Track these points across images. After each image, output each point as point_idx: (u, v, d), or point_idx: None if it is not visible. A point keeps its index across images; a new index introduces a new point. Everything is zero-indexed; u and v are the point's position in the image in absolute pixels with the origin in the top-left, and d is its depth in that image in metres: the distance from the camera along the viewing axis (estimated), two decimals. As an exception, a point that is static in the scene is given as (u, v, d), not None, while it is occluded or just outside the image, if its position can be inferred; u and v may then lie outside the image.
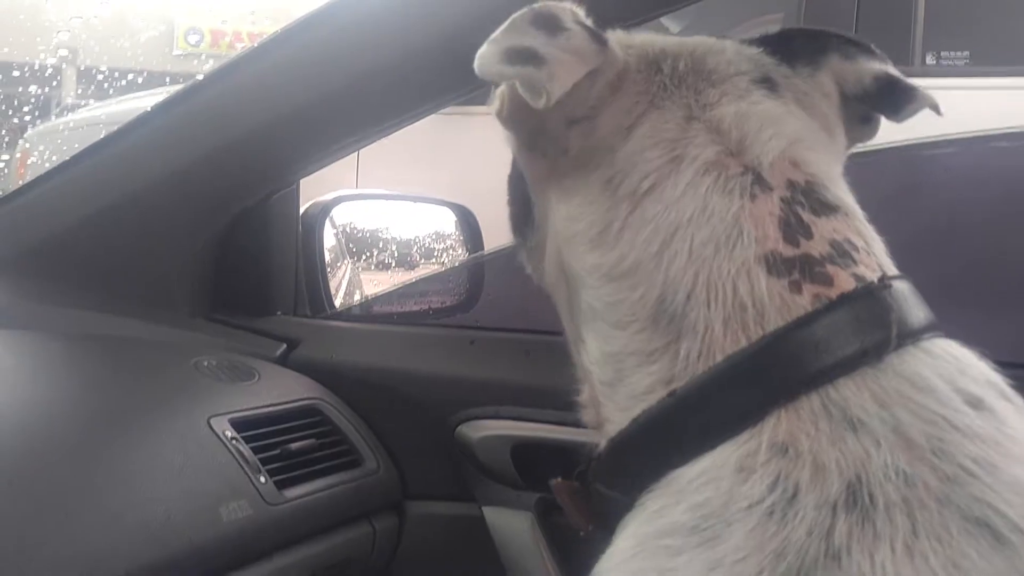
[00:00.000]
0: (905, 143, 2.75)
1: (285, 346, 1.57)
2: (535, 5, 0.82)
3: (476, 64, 0.79)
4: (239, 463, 1.26)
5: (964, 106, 2.83)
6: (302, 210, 1.67)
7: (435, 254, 2.05)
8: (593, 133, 0.83)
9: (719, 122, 0.81)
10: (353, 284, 2.19)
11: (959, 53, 2.95)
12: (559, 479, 0.89)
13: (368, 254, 2.27)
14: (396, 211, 2.21)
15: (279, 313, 1.62)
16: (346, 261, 2.24)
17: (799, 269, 0.74)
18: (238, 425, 1.32)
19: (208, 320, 1.59)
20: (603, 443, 0.82)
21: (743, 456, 0.69)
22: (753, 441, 0.69)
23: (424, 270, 2.07)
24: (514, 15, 0.81)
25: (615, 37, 0.88)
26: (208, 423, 1.28)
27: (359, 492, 1.44)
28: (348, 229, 2.34)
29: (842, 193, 0.82)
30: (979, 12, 3.02)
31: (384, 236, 2.38)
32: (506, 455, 1.41)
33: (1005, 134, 2.62)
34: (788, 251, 0.75)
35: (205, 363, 1.44)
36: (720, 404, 0.72)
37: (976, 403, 0.70)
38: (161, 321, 1.56)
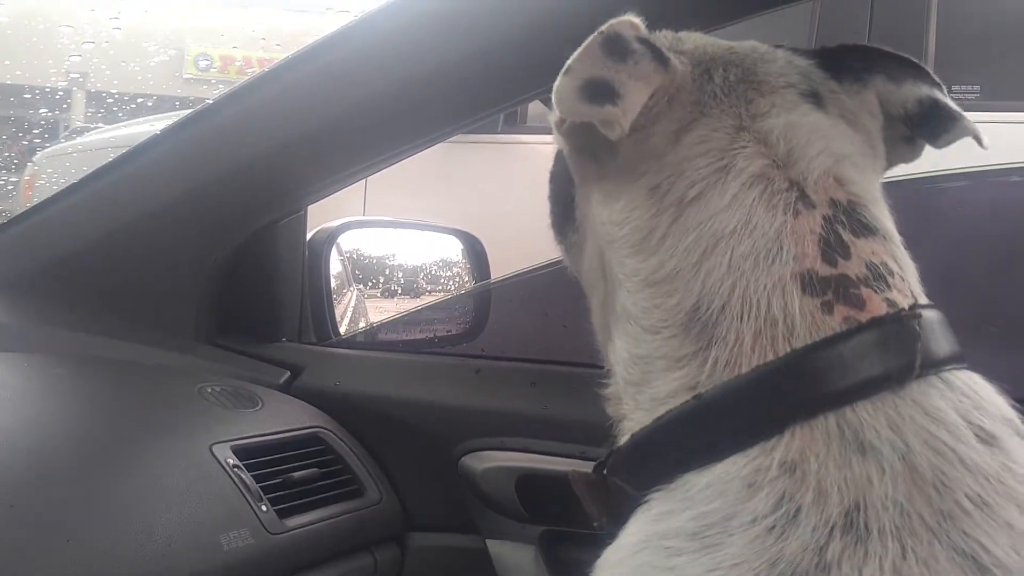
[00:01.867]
0: (914, 176, 2.75)
1: (289, 373, 1.56)
2: (603, 28, 0.82)
3: (555, 99, 0.80)
4: (241, 491, 1.25)
5: (972, 140, 2.84)
6: (309, 236, 1.66)
7: (441, 282, 2.04)
8: (647, 140, 0.84)
9: (768, 133, 0.82)
10: (359, 311, 2.18)
11: (970, 87, 2.94)
12: (576, 470, 0.90)
13: (374, 281, 2.26)
14: (403, 238, 2.20)
15: (284, 340, 1.61)
16: (352, 288, 2.23)
17: (833, 290, 0.75)
18: (240, 453, 1.30)
19: (213, 346, 1.58)
20: (624, 438, 0.83)
21: (754, 471, 0.70)
22: (764, 457, 0.71)
23: (430, 298, 2.06)
24: (587, 41, 0.81)
25: (668, 42, 0.89)
26: (210, 450, 1.27)
27: (361, 523, 1.42)
28: (355, 256, 2.34)
29: (882, 215, 0.82)
30: (990, 46, 3.02)
31: (391, 263, 2.37)
32: (511, 487, 1.40)
33: (1018, 168, 2.63)
34: (825, 270, 0.76)
35: (209, 389, 1.43)
36: (740, 414, 0.74)
37: (987, 439, 0.71)
38: (167, 346, 1.55)
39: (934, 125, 0.89)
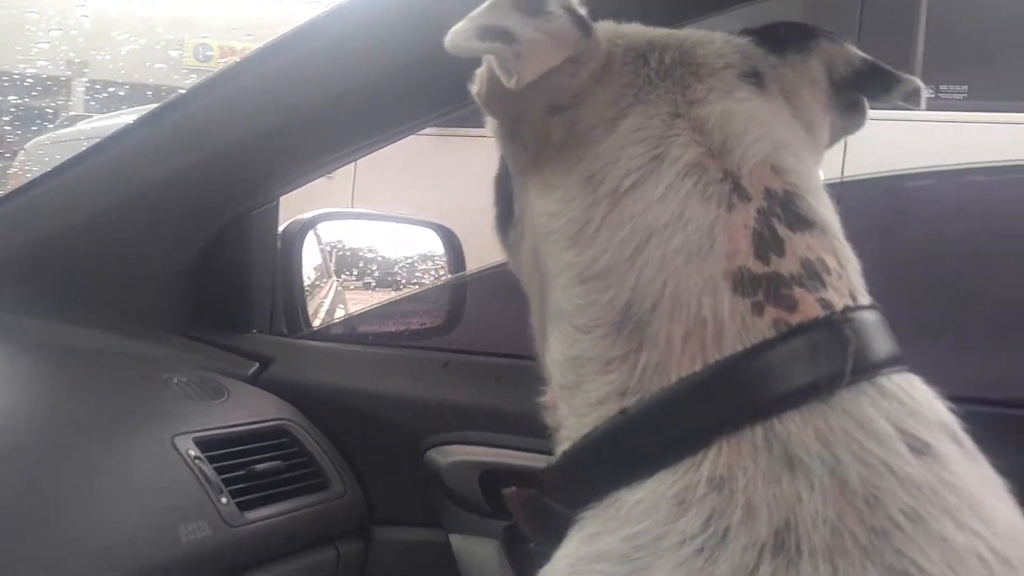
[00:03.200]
0: (882, 175, 2.76)
1: (258, 365, 1.56)
2: None
3: (448, 38, 0.76)
4: (201, 483, 1.25)
5: (962, 139, 2.84)
6: (282, 228, 1.66)
7: (417, 275, 2.04)
8: (576, 123, 0.81)
9: (704, 120, 0.79)
10: (336, 302, 2.18)
11: (958, 87, 2.94)
12: (513, 488, 0.88)
13: (353, 272, 2.26)
14: (382, 231, 2.19)
15: (255, 331, 1.61)
16: (331, 279, 2.23)
17: (765, 289, 0.72)
18: (203, 444, 1.30)
19: (184, 336, 1.58)
20: (560, 448, 0.80)
21: (682, 489, 0.68)
22: (693, 473, 0.68)
23: (407, 290, 2.05)
24: None
25: (604, 27, 0.86)
26: (173, 441, 1.27)
27: (324, 515, 1.42)
28: (335, 247, 2.33)
29: (820, 205, 0.78)
30: (977, 47, 3.01)
31: (370, 255, 2.37)
32: (474, 482, 1.40)
33: (982, 168, 2.62)
34: (758, 268, 0.73)
35: (176, 380, 1.43)
36: (667, 427, 0.71)
37: (920, 448, 0.68)
38: (138, 335, 1.55)
39: (882, 79, 0.88)
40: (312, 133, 1.46)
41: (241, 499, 1.29)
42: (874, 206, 2.96)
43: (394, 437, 1.48)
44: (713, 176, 0.76)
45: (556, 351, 0.80)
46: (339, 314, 2.07)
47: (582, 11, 0.81)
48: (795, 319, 0.71)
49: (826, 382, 0.69)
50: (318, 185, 1.62)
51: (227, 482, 1.29)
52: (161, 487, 1.22)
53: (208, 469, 1.27)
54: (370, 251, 2.38)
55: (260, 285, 1.62)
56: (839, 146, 2.73)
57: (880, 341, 0.73)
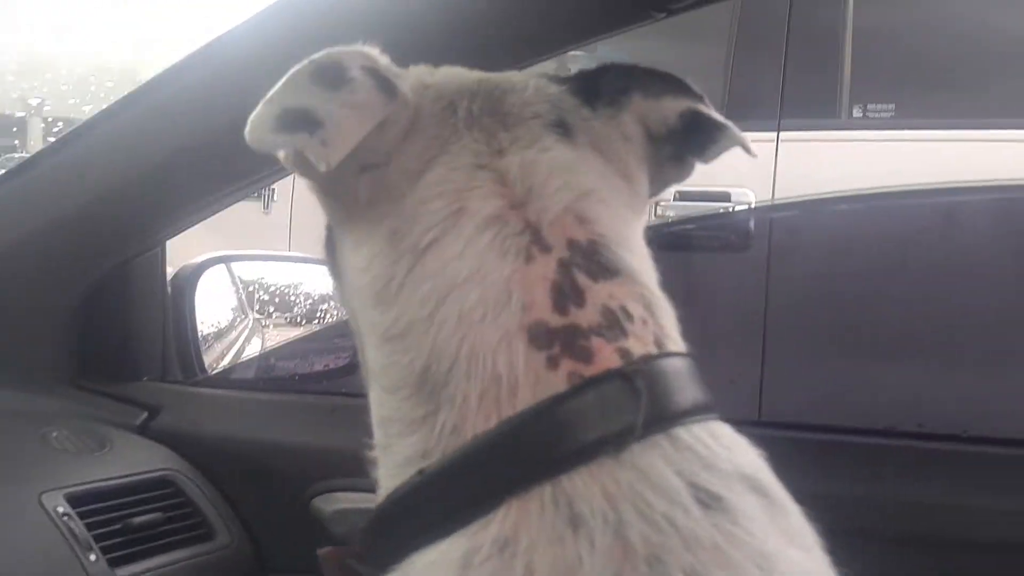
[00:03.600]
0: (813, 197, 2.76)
1: (146, 414, 1.52)
2: (317, 55, 0.76)
3: (247, 130, 0.74)
4: (68, 541, 1.21)
5: (889, 159, 2.85)
6: (172, 273, 1.63)
7: (318, 315, 2.01)
8: (384, 180, 0.78)
9: (506, 171, 0.77)
10: (250, 342, 2.15)
11: (885, 106, 2.95)
12: (328, 548, 0.85)
13: (270, 311, 2.24)
14: (296, 271, 2.18)
15: (145, 379, 1.58)
16: (247, 318, 2.20)
17: (561, 341, 0.70)
18: (75, 500, 1.27)
19: (72, 387, 1.55)
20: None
21: (468, 551, 0.66)
22: (481, 533, 0.66)
23: (305, 330, 2.03)
24: (294, 68, 0.75)
25: (414, 75, 0.83)
26: (39, 499, 1.24)
27: (210, 566, 1.39)
28: (258, 286, 2.31)
29: (629, 253, 0.77)
30: (905, 65, 3.03)
31: (294, 294, 2.35)
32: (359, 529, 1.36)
33: (843, 197, 2.63)
34: (555, 321, 0.71)
35: (55, 434, 1.39)
36: (460, 488, 0.69)
37: (709, 501, 0.66)
38: (24, 388, 1.51)
39: (700, 138, 0.85)
40: (188, 174, 1.43)
41: (115, 555, 1.26)
42: (804, 228, 2.98)
43: (281, 485, 1.45)
44: (513, 228, 0.74)
45: (372, 410, 0.79)
46: (251, 354, 2.04)
47: (385, 69, 0.78)
48: (590, 371, 0.69)
49: (615, 436, 0.67)
50: (254, 218, 1.60)
51: (100, 538, 1.26)
52: (23, 547, 1.19)
53: (77, 525, 1.24)
54: (295, 289, 2.36)
55: (149, 332, 1.59)
56: (768, 167, 2.74)
57: (683, 389, 0.71)
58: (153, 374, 1.59)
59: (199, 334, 1.67)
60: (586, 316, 0.71)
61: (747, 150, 0.85)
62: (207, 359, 1.82)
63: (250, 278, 2.24)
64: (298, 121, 0.73)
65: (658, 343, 0.73)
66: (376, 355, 0.77)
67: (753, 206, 2.92)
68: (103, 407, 1.53)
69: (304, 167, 0.79)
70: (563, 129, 0.81)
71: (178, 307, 1.62)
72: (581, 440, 0.67)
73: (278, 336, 2.32)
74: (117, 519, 1.30)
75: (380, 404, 0.77)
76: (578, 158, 0.80)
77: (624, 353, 0.71)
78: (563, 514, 0.65)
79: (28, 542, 1.19)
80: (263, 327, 2.30)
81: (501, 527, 0.66)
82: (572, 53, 3.96)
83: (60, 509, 1.24)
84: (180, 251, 1.75)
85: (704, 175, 2.77)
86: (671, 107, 0.84)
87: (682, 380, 0.72)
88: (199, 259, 1.70)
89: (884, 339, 2.66)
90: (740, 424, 0.76)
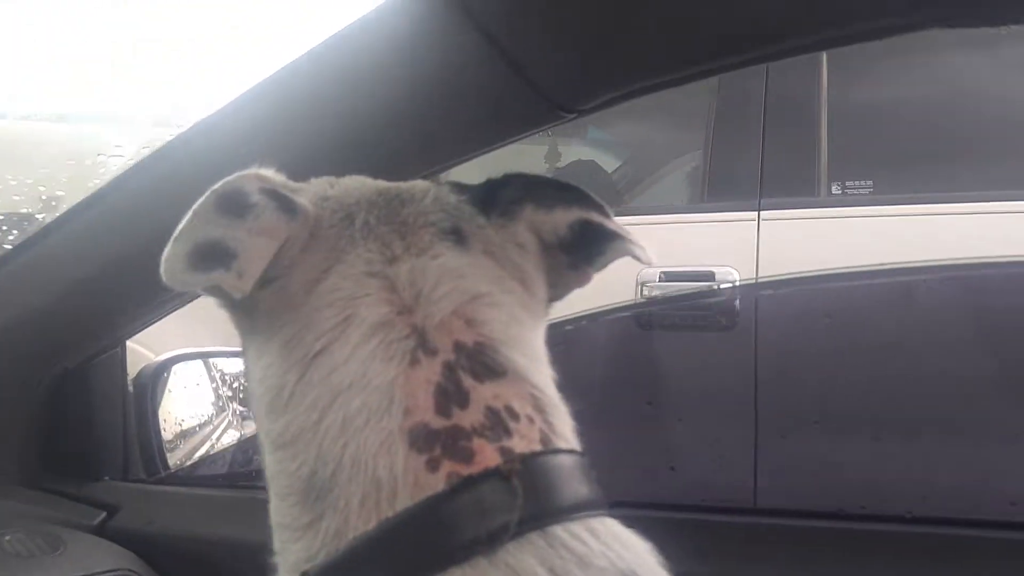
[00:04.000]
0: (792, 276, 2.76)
1: (105, 514, 1.52)
2: (217, 187, 0.78)
3: (163, 273, 0.76)
4: (15, 648, 1.20)
5: (868, 233, 2.86)
6: (134, 373, 1.63)
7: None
8: (283, 291, 0.80)
9: (395, 278, 0.78)
10: (226, 437, 2.14)
11: (863, 183, 2.96)
12: None
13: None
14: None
15: (107, 478, 1.57)
16: (226, 412, 2.20)
17: (442, 443, 0.71)
18: (25, 604, 1.26)
19: (31, 488, 1.54)
20: None
21: None
22: None
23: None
24: (198, 202, 0.77)
25: (315, 187, 0.86)
26: (-12, 606, 1.23)
27: (164, 670, 1.37)
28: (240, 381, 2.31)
29: (519, 354, 0.78)
30: (880, 143, 3.06)
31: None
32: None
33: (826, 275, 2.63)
34: (437, 423, 0.72)
35: (7, 537, 1.38)
36: None
37: None
38: (-18, 492, 1.51)
39: (589, 248, 0.87)
40: (149, 272, 1.44)
41: (62, 662, 1.24)
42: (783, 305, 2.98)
43: (238, 583, 1.43)
44: (399, 333, 0.75)
45: (271, 517, 0.79)
46: (227, 446, 2.03)
47: (283, 187, 0.81)
48: (469, 471, 0.70)
49: (489, 535, 0.68)
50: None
51: (50, 643, 1.25)
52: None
53: (25, 633, 1.22)
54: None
55: (111, 431, 1.59)
56: (751, 246, 2.74)
57: (564, 487, 0.72)
58: (115, 473, 1.58)
59: (161, 432, 1.67)
60: (469, 417, 0.72)
61: (637, 258, 0.86)
62: (179, 455, 1.82)
63: (235, 371, 2.24)
64: (210, 254, 0.76)
65: (544, 441, 0.74)
66: (270, 462, 0.78)
67: (737, 284, 2.92)
68: (61, 508, 1.52)
69: (216, 293, 0.82)
70: (457, 236, 0.83)
71: (140, 405, 1.63)
72: (456, 540, 0.68)
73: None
74: (68, 622, 1.29)
75: (275, 510, 0.78)
76: (469, 264, 0.81)
77: (506, 452, 0.71)
78: None
79: (-29, 651, 1.18)
80: (242, 421, 2.30)
81: None
82: (564, 136, 4.05)
83: (8, 616, 1.23)
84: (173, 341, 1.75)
85: (690, 254, 2.78)
86: (561, 218, 0.86)
87: (564, 477, 0.73)
88: (162, 357, 1.71)
89: (871, 416, 2.65)
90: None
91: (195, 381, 1.99)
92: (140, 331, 1.56)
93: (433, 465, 0.70)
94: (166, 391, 1.72)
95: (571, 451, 0.76)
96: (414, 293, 0.77)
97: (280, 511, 0.77)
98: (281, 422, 0.76)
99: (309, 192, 0.84)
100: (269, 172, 0.81)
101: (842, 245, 2.85)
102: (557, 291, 0.89)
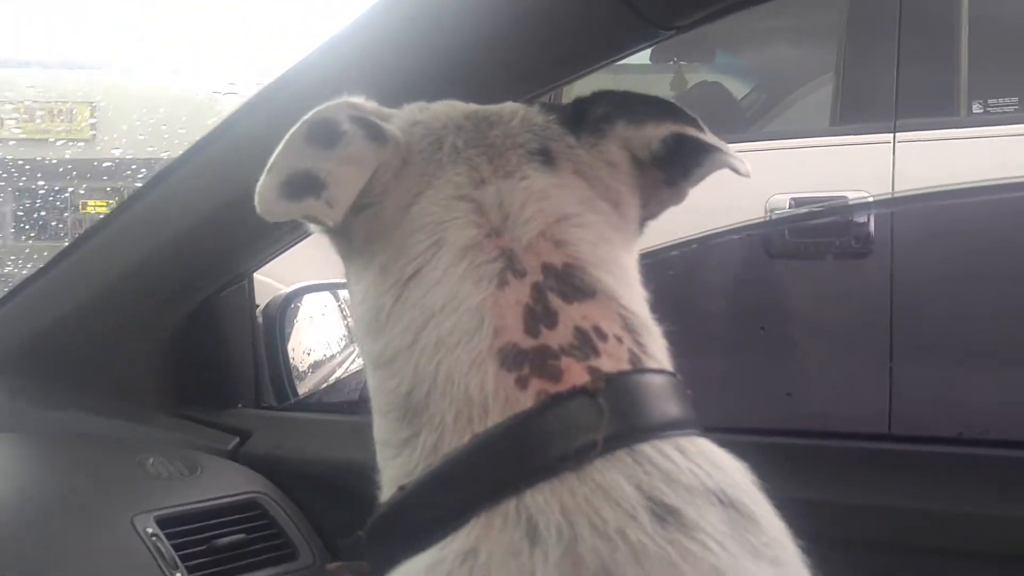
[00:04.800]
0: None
1: (238, 439, 1.60)
2: (308, 116, 0.81)
3: (257, 203, 0.79)
4: (156, 560, 1.29)
5: (1015, 154, 2.70)
6: (264, 304, 1.70)
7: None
8: (377, 217, 0.82)
9: (483, 201, 0.79)
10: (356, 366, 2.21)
11: (1007, 100, 2.80)
12: (336, 564, 0.89)
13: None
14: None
15: (240, 405, 1.65)
16: (351, 343, 2.26)
17: (531, 362, 0.72)
18: (164, 522, 1.34)
19: (172, 415, 1.64)
20: None
21: (433, 562, 0.69)
22: (449, 546, 0.69)
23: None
24: (289, 132, 0.80)
25: (405, 113, 0.87)
26: (131, 521, 1.32)
27: (292, 586, 1.44)
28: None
29: (608, 274, 0.78)
30: (1027, 55, 2.88)
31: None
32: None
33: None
34: (526, 343, 0.73)
35: (151, 460, 1.48)
36: (433, 504, 0.72)
37: (665, 515, 0.66)
38: (126, 417, 1.61)
39: (685, 162, 0.85)
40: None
41: (200, 574, 1.32)
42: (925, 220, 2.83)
43: (364, 506, 1.48)
44: (488, 256, 0.77)
45: (374, 433, 0.83)
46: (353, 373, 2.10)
47: (372, 115, 0.82)
48: (557, 389, 0.71)
49: (577, 452, 0.69)
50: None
51: (187, 557, 1.33)
52: (117, 566, 1.27)
53: (164, 546, 1.31)
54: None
55: (242, 361, 1.66)
56: (886, 169, 2.63)
57: (653, 405, 0.73)
58: (247, 401, 1.66)
59: (291, 361, 1.74)
60: (557, 337, 0.73)
61: (735, 170, 0.85)
62: (308, 383, 1.90)
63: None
64: (302, 185, 0.78)
65: (632, 361, 0.75)
66: (371, 381, 0.81)
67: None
68: (198, 434, 1.61)
69: (314, 220, 0.84)
70: (545, 157, 0.83)
71: (269, 335, 1.70)
72: (545, 456, 0.69)
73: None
74: (204, 540, 1.37)
75: (377, 428, 0.81)
76: (557, 184, 0.81)
77: (594, 371, 0.72)
78: (523, 528, 0.67)
79: (119, 561, 1.27)
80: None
81: (466, 540, 0.68)
82: (690, 61, 3.94)
83: (149, 530, 1.31)
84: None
85: (822, 180, 2.67)
86: (653, 133, 0.85)
87: (653, 396, 0.73)
88: (289, 289, 1.77)
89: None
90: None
91: (322, 312, 2.06)
92: (263, 264, 1.62)
93: (522, 383, 0.72)
94: (295, 322, 1.79)
95: (661, 371, 0.76)
96: (502, 216, 0.78)
97: (381, 428, 0.80)
98: (380, 343, 0.79)
99: (400, 118, 0.85)
100: (360, 99, 0.83)
101: (984, 170, 2.71)
102: (651, 209, 0.88)
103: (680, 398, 0.75)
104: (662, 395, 0.74)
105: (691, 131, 0.84)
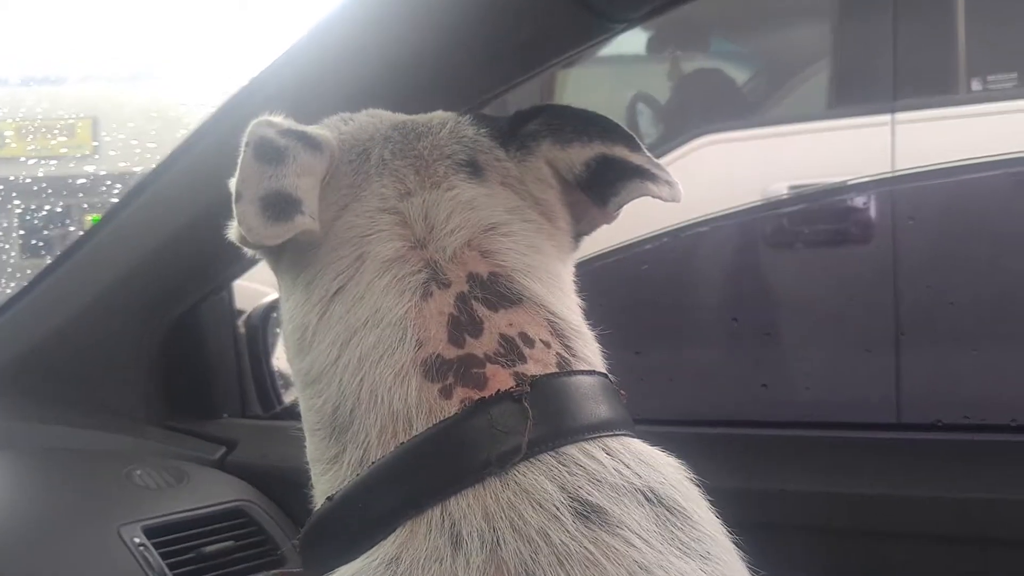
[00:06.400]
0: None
1: (224, 449, 1.61)
2: (246, 140, 0.79)
3: (245, 232, 0.77)
4: (144, 570, 1.30)
5: (1015, 130, 2.66)
6: (247, 313, 1.71)
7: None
8: (304, 232, 0.80)
9: (408, 213, 0.79)
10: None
11: (1006, 75, 2.76)
12: (277, 571, 0.89)
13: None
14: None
15: (225, 415, 1.67)
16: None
17: (455, 372, 0.72)
18: (151, 531, 1.36)
19: (158, 426, 1.65)
20: None
21: (360, 570, 0.69)
22: (376, 553, 0.69)
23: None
24: (239, 159, 0.78)
25: (329, 126, 0.86)
26: (118, 532, 1.33)
27: (280, 590, 1.44)
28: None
29: (537, 282, 0.78)
30: (1024, 29, 2.83)
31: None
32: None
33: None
34: (450, 353, 0.73)
35: (138, 472, 1.49)
36: (362, 513, 0.72)
37: (589, 512, 0.66)
38: (113, 429, 1.62)
39: (603, 188, 0.84)
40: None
41: (187, 582, 1.34)
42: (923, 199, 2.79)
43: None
44: (411, 268, 0.76)
45: (306, 451, 0.83)
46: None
47: (296, 127, 0.81)
48: (482, 395, 0.71)
49: (500, 456, 0.69)
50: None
51: (175, 566, 1.34)
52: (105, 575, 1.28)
53: (152, 555, 1.32)
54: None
55: (225, 370, 1.67)
56: (886, 152, 2.59)
57: (582, 407, 0.72)
58: (233, 410, 1.67)
59: (275, 368, 1.75)
60: (483, 345, 0.73)
61: (659, 197, 0.83)
62: (294, 391, 1.90)
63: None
64: (281, 205, 0.76)
65: (561, 365, 0.74)
66: (301, 400, 0.81)
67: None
68: (185, 444, 1.63)
69: (235, 236, 0.82)
70: (473, 168, 0.82)
71: (252, 344, 1.71)
72: (468, 462, 0.69)
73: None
74: (191, 548, 1.38)
75: (307, 446, 0.81)
76: (485, 194, 0.81)
77: (520, 377, 0.72)
78: (446, 535, 0.67)
79: (107, 571, 1.28)
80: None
81: (390, 548, 0.68)
82: (686, 51, 3.91)
83: (137, 540, 1.33)
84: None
85: (819, 166, 2.63)
86: (577, 156, 0.84)
87: (580, 398, 0.73)
88: (269, 298, 1.78)
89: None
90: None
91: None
92: (240, 274, 1.62)
93: (446, 392, 0.72)
94: (278, 330, 1.79)
95: (590, 372, 0.76)
96: (427, 227, 0.78)
97: (311, 446, 0.80)
98: (307, 360, 0.78)
99: (325, 130, 0.85)
100: (275, 118, 0.82)
101: (985, 148, 2.67)
102: (583, 226, 0.87)
103: (611, 399, 0.75)
104: (591, 396, 0.73)
105: (620, 153, 0.83)
